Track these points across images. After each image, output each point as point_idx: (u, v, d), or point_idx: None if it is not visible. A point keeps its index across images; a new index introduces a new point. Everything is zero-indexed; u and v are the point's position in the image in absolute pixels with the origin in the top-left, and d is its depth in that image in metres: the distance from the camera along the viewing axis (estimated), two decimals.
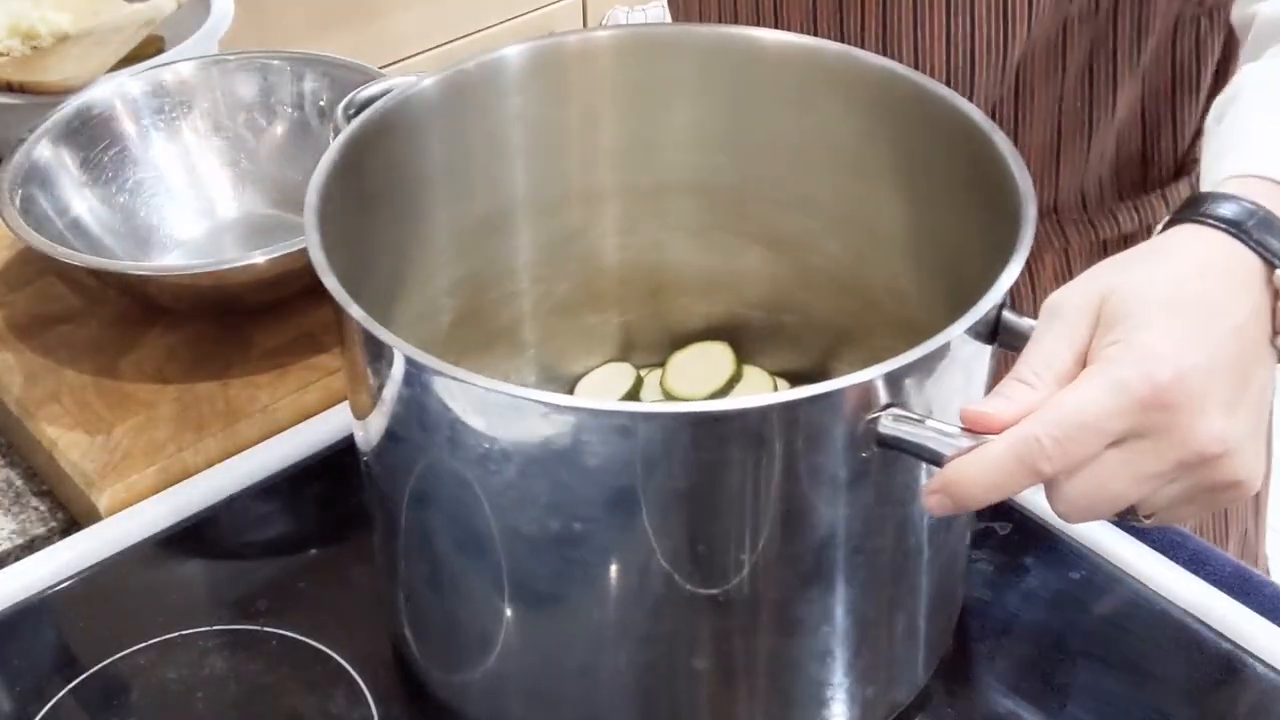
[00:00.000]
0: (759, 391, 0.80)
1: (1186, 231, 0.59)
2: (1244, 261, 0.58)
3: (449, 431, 0.56)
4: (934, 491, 0.54)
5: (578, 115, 0.75)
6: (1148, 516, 0.58)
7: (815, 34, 0.86)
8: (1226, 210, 0.58)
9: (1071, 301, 0.56)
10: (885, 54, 0.75)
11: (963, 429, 0.54)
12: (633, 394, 0.81)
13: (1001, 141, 0.64)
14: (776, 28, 0.85)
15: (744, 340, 0.82)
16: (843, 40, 0.83)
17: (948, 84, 0.67)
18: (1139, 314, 0.55)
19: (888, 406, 0.54)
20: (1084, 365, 0.55)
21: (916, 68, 0.66)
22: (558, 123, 0.75)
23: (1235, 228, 0.58)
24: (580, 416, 0.54)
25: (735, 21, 0.90)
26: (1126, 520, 0.58)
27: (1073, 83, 0.87)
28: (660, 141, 0.76)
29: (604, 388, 0.82)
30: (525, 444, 0.55)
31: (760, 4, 0.89)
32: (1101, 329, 0.55)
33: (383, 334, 0.55)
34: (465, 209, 0.74)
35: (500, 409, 0.54)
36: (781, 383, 0.81)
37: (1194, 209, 0.59)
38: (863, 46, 0.81)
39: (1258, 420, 0.57)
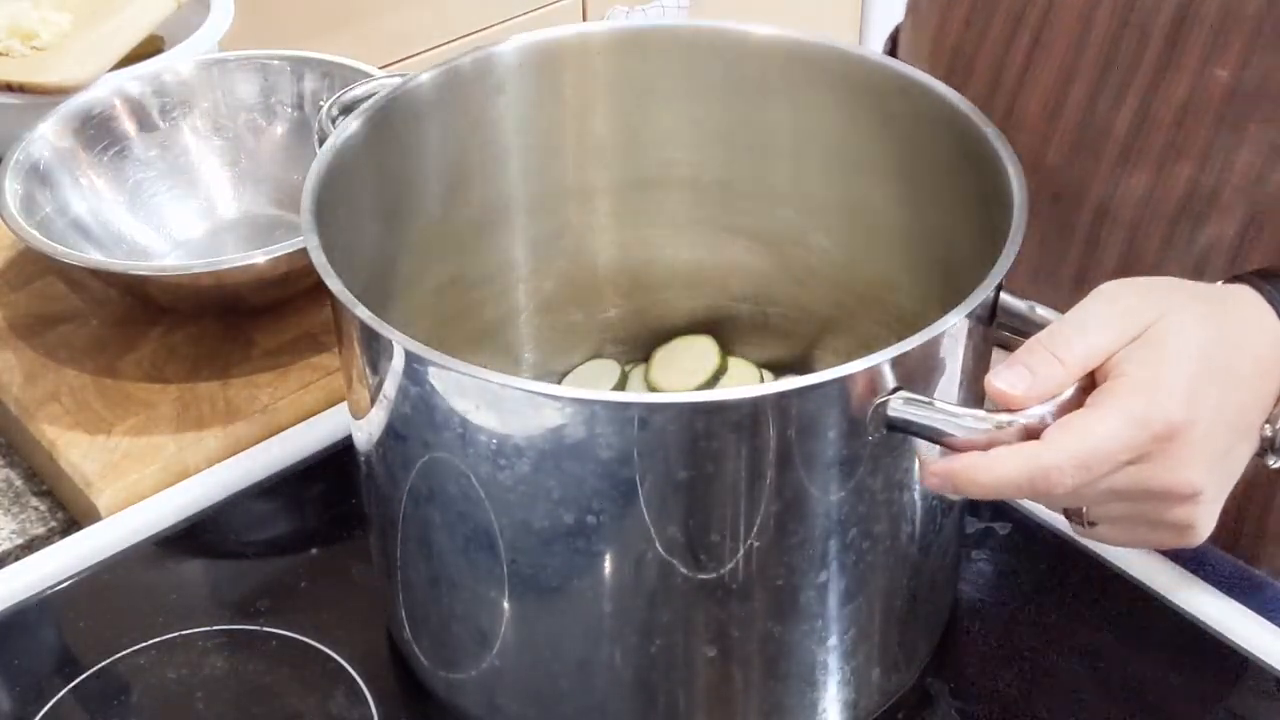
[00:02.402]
0: (746, 383, 0.80)
1: (1247, 295, 0.61)
2: (1277, 350, 0.60)
3: (459, 428, 0.56)
4: (937, 474, 0.55)
5: (570, 111, 0.75)
6: (1092, 523, 0.60)
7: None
8: None
9: (1131, 303, 0.58)
10: None
11: (983, 410, 0.55)
12: (618, 389, 0.81)
13: (990, 130, 0.64)
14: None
15: (727, 333, 0.82)
16: None
17: None
18: (1176, 349, 0.56)
19: (896, 390, 0.55)
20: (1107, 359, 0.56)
21: None
22: (550, 119, 0.75)
23: None
24: (597, 410, 0.54)
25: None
26: (1071, 518, 0.60)
27: None
28: (651, 137, 0.76)
29: (589, 383, 0.82)
30: (537, 438, 0.55)
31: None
32: (1140, 342, 0.56)
33: (394, 335, 0.56)
34: (456, 207, 0.74)
35: (514, 404, 0.54)
36: (767, 374, 0.82)
37: (1267, 280, 0.62)
38: None
39: (1225, 485, 0.59)
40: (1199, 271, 0.76)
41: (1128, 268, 0.78)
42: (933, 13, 0.85)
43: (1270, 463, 0.62)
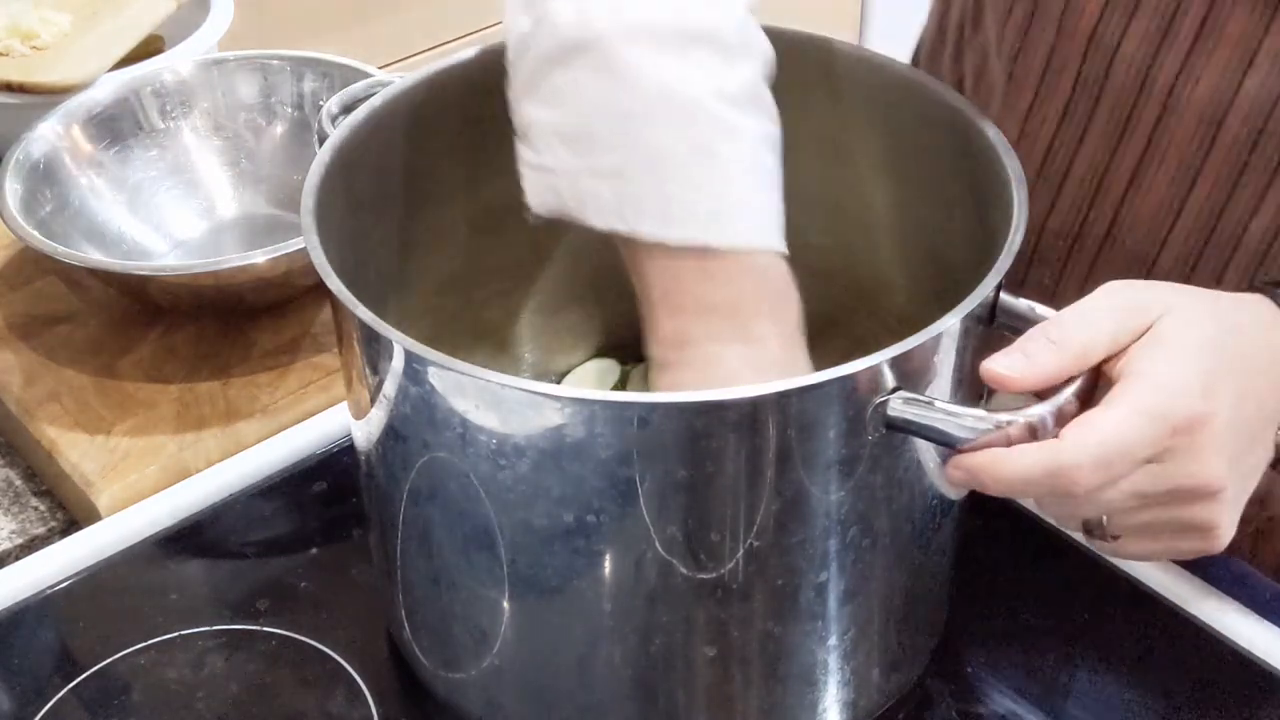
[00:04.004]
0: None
1: (1259, 300, 0.60)
2: None
3: (459, 428, 0.56)
4: (960, 468, 0.55)
5: None
6: (1115, 536, 0.59)
7: None
8: None
9: (1133, 298, 0.57)
10: None
11: (983, 410, 0.55)
12: (618, 389, 0.81)
13: (989, 128, 0.64)
14: None
15: None
16: None
17: None
18: (1187, 343, 0.56)
19: (895, 390, 0.55)
20: (1111, 355, 0.56)
21: None
22: None
23: None
24: (597, 410, 0.54)
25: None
26: (1092, 534, 0.59)
27: None
28: None
29: (590, 383, 0.82)
30: (537, 438, 0.55)
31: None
32: (1148, 339, 0.56)
33: (393, 335, 0.56)
34: (456, 207, 0.74)
35: (514, 404, 0.54)
36: None
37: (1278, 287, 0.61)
38: None
39: (1245, 487, 0.58)
40: None
41: None
42: (1020, 99, 0.78)
43: None
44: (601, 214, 0.60)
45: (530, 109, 0.62)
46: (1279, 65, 0.66)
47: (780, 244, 0.62)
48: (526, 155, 0.62)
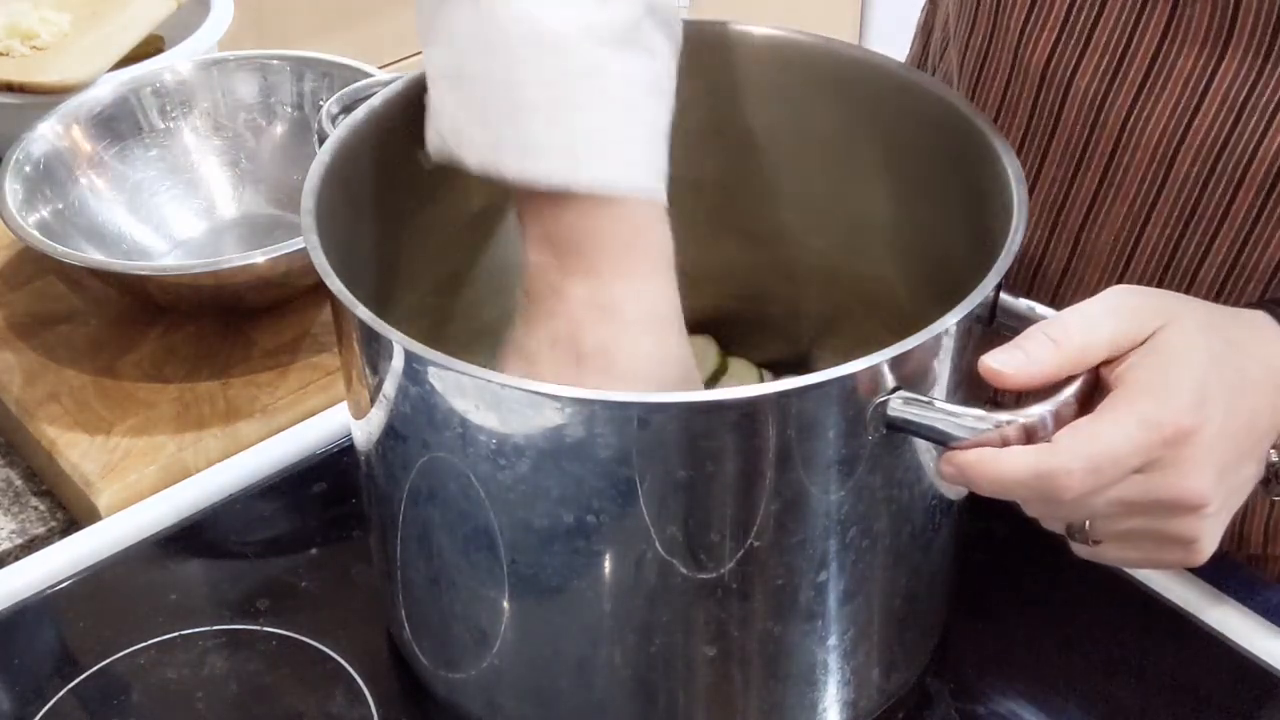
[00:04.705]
0: (746, 383, 0.80)
1: (1259, 316, 0.60)
2: None
3: (459, 428, 0.56)
4: (952, 464, 0.55)
5: None
6: (1096, 541, 0.59)
7: None
8: None
9: (1136, 303, 0.57)
10: None
11: (983, 410, 0.55)
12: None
13: (987, 127, 0.64)
14: None
15: (727, 332, 0.82)
16: None
17: None
18: (1184, 354, 0.55)
19: (895, 389, 0.55)
20: (1110, 359, 0.56)
21: None
22: None
23: None
24: (597, 410, 0.54)
25: None
26: (1074, 536, 0.59)
27: None
28: None
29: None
30: (537, 438, 0.55)
31: None
32: (1147, 348, 0.56)
33: (393, 335, 0.56)
34: (456, 207, 0.74)
35: (514, 404, 0.54)
36: (767, 374, 0.82)
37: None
38: None
39: (1231, 502, 0.58)
40: None
41: None
42: None
43: (1274, 494, 0.61)
44: (474, 152, 0.60)
45: (427, 51, 0.62)
46: (1227, 107, 0.66)
47: (644, 183, 0.61)
48: (427, 99, 0.62)
